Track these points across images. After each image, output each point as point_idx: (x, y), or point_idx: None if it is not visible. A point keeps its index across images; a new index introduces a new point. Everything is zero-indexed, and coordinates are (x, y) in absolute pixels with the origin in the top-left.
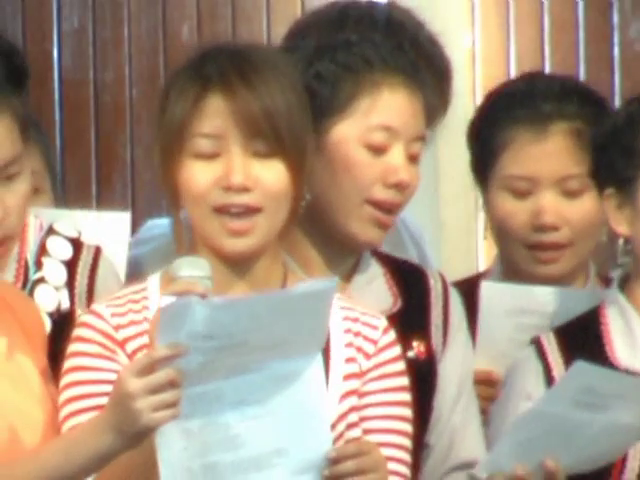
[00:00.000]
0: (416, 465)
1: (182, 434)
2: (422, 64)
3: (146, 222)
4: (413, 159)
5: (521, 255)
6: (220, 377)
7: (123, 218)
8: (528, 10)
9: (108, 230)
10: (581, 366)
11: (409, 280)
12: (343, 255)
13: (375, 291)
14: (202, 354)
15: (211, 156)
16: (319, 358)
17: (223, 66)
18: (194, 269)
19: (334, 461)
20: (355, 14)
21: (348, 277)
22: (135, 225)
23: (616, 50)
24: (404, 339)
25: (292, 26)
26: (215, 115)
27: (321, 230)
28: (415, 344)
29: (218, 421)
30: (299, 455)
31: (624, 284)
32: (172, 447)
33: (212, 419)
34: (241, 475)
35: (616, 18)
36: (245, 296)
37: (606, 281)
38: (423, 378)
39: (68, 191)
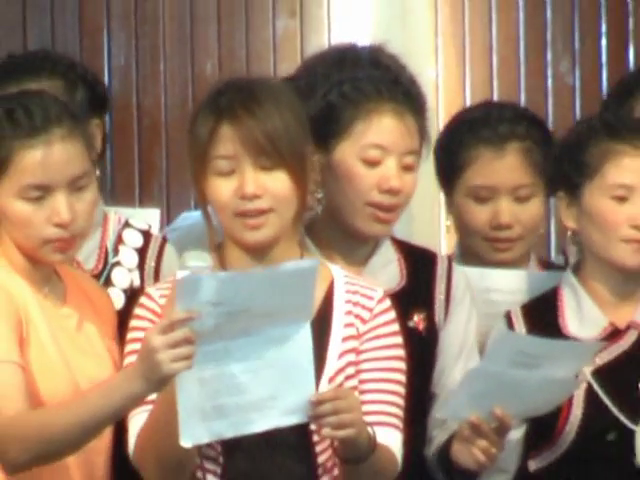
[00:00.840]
0: (425, 410)
1: (197, 382)
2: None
3: (179, 215)
4: (407, 169)
5: (481, 245)
6: (228, 338)
7: (154, 213)
8: (480, 50)
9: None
10: (507, 334)
11: (419, 263)
12: (358, 244)
13: (387, 273)
14: (214, 318)
15: (228, 173)
16: (307, 326)
17: (231, 100)
18: (198, 260)
19: (315, 404)
20: (351, 57)
21: (365, 261)
22: (170, 218)
23: (550, 82)
24: (405, 312)
25: (301, 65)
26: (227, 141)
27: (338, 226)
28: (416, 316)
29: (226, 372)
30: (289, 400)
31: (577, 269)
32: (189, 393)
33: (221, 370)
34: (243, 414)
35: (549, 56)
36: (245, 270)
37: (542, 263)
38: (424, 343)
39: (117, 194)
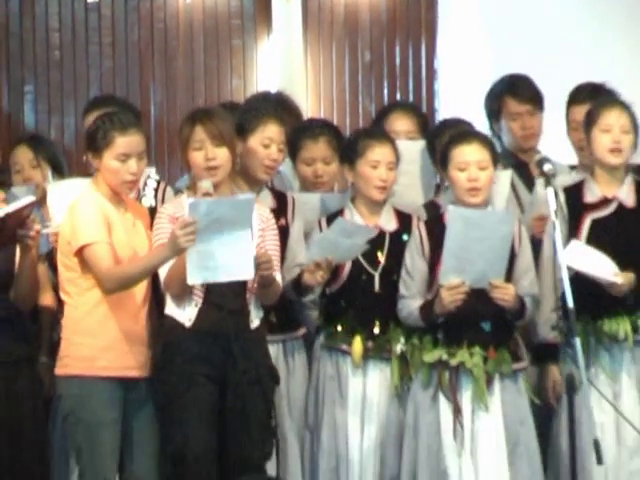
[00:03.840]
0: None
1: (195, 252)
2: (294, 120)
3: (178, 176)
4: (281, 151)
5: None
6: (211, 232)
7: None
8: (327, 97)
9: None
10: (338, 220)
11: (281, 198)
12: (254, 185)
13: (267, 201)
14: (204, 222)
15: (199, 149)
16: (250, 227)
17: (201, 115)
18: (205, 182)
19: (257, 260)
20: (272, 98)
21: (258, 192)
22: (170, 175)
23: (360, 112)
24: (276, 218)
25: (244, 102)
26: (199, 133)
27: (246, 175)
28: (281, 220)
29: (209, 248)
30: (242, 259)
31: (352, 199)
32: (192, 257)
33: (207, 247)
34: (218, 270)
35: (360, 99)
36: (220, 198)
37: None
38: (284, 233)
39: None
